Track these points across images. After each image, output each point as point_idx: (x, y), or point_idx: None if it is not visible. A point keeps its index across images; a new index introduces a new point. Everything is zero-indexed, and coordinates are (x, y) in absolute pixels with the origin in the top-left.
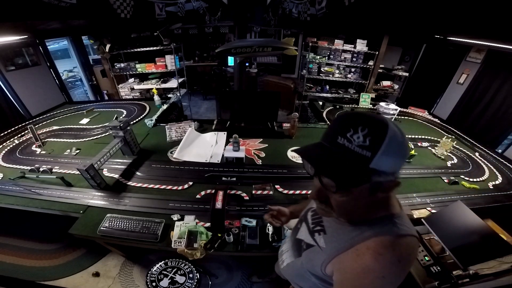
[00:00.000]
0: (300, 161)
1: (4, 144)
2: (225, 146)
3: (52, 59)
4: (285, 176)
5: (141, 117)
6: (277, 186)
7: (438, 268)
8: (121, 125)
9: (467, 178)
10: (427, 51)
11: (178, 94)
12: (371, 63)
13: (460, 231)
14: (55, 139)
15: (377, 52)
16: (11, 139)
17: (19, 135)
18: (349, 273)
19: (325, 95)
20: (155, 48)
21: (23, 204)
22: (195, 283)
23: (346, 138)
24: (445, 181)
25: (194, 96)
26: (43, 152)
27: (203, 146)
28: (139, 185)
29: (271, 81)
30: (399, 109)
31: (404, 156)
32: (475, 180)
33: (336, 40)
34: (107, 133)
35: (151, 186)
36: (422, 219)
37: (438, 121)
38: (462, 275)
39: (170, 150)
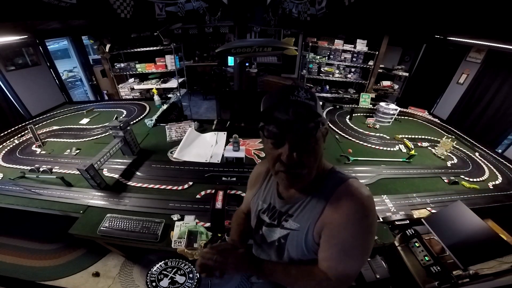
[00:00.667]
0: None
1: (4, 144)
2: (225, 146)
3: (52, 59)
4: None
5: (141, 117)
6: None
7: (438, 268)
8: (121, 125)
9: (467, 178)
10: (427, 51)
11: (178, 94)
12: (371, 63)
13: (460, 231)
14: (55, 139)
15: (377, 52)
16: (11, 139)
17: (19, 135)
18: (336, 225)
19: (325, 95)
20: (155, 48)
21: (23, 204)
22: (195, 283)
23: (295, 96)
24: (445, 181)
25: (194, 96)
26: (43, 152)
27: (203, 146)
28: (139, 185)
29: (271, 81)
30: (399, 109)
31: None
32: (475, 180)
33: (336, 40)
34: (107, 133)
35: (151, 186)
36: (422, 219)
37: (438, 121)
38: (462, 275)
39: (170, 150)
